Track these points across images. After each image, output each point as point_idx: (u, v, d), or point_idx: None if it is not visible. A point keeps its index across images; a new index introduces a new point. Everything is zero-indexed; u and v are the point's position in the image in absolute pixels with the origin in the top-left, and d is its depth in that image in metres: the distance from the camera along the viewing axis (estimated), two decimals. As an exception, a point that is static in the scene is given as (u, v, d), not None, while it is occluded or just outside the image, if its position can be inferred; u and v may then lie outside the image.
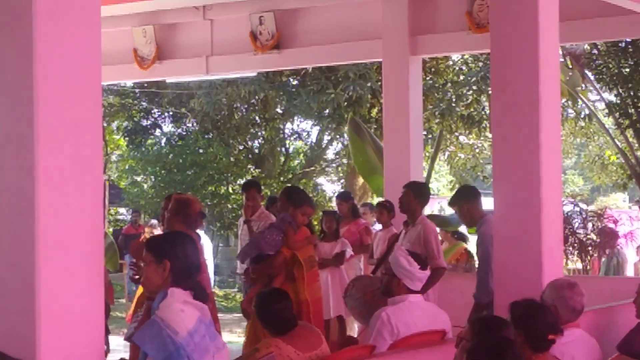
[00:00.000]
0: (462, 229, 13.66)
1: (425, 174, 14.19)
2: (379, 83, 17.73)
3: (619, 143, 17.00)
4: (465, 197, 8.59)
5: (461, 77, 20.97)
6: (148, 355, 4.43)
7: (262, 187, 14.38)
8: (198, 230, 8.56)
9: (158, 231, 15.72)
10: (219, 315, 9.75)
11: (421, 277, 6.54)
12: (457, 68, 21.28)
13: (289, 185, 9.30)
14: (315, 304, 8.40)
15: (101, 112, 4.69)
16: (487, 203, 8.32)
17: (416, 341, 6.28)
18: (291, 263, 8.35)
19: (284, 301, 5.91)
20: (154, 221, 16.32)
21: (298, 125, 26.38)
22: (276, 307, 5.83)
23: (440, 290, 9.27)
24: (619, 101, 15.72)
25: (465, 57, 20.50)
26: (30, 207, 4.28)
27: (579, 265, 17.28)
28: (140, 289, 8.19)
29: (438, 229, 10.32)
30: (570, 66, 17.08)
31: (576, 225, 16.86)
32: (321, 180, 27.59)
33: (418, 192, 9.34)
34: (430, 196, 9.84)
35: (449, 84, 20.71)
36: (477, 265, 8.55)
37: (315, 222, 22.53)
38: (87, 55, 4.54)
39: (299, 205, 8.50)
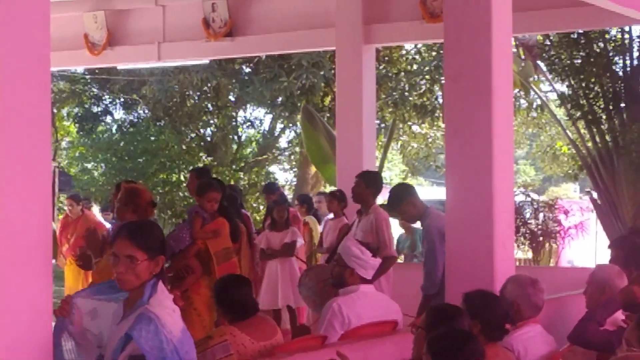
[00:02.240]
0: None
1: (378, 163, 14.22)
2: (332, 72, 17.71)
3: (570, 134, 17.10)
4: (398, 200, 8.54)
5: (414, 67, 21.01)
6: (127, 348, 4.20)
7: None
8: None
9: (99, 217, 15.54)
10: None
11: (374, 265, 6.55)
12: (410, 57, 21.31)
13: (195, 168, 9.18)
14: None
15: (50, 98, 4.62)
16: (440, 192, 8.33)
17: (367, 331, 6.28)
18: (206, 256, 8.26)
19: (245, 287, 5.91)
20: (95, 207, 16.13)
21: (251, 113, 26.37)
22: (238, 293, 5.81)
23: (393, 280, 9.28)
24: (570, 92, 15.81)
25: (419, 46, 20.53)
26: (-24, 195, 4.20)
27: (530, 255, 17.43)
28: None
29: (397, 220, 10.33)
30: (523, 57, 17.15)
31: (528, 215, 16.99)
32: (274, 168, 27.57)
33: (370, 182, 9.33)
34: (383, 185, 9.85)
35: (402, 74, 20.74)
36: (423, 258, 8.56)
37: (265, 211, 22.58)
38: (36, 40, 4.46)
39: (202, 194, 8.40)
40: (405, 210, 8.49)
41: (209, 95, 24.04)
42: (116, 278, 4.29)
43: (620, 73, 15.58)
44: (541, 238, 16.72)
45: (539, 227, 16.81)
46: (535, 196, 18.35)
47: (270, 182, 19.37)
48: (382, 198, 10.39)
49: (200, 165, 23.86)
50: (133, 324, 4.15)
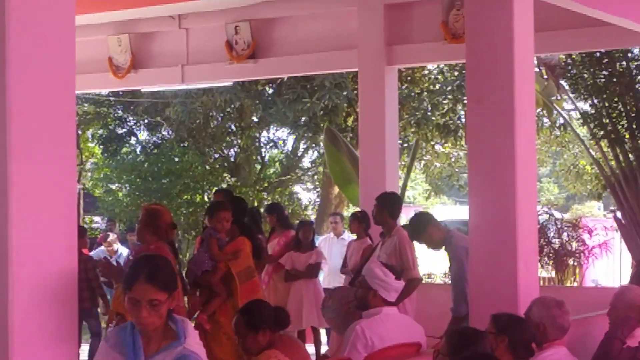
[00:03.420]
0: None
1: (401, 183, 14.19)
2: (355, 92, 17.74)
3: (593, 153, 17.07)
4: (421, 229, 8.54)
5: (437, 86, 20.99)
6: None
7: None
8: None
9: (117, 245, 15.59)
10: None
11: (397, 288, 6.56)
12: (432, 77, 21.31)
13: (219, 190, 9.18)
14: None
15: (75, 120, 4.66)
16: (463, 211, 8.33)
17: (391, 354, 6.28)
18: (229, 277, 8.27)
19: (264, 303, 6.02)
20: (112, 235, 16.20)
21: (274, 134, 26.38)
22: (263, 307, 5.90)
23: (417, 301, 9.27)
24: (593, 111, 15.78)
25: (441, 66, 20.54)
26: (3, 218, 4.24)
27: (553, 274, 17.37)
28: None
29: None
30: (545, 76, 17.14)
31: (551, 235, 16.94)
32: (297, 188, 27.56)
33: (386, 203, 9.35)
34: (402, 205, 9.86)
35: (425, 93, 20.73)
36: (451, 279, 8.53)
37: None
38: (61, 63, 4.52)
39: (213, 215, 8.41)
40: (429, 236, 8.47)
41: (232, 116, 24.09)
42: (138, 323, 4.16)
43: (643, 92, 15.56)
44: (565, 257, 16.66)
45: (563, 246, 16.75)
46: (558, 215, 18.30)
47: (274, 202, 19.25)
48: (405, 217, 10.40)
49: (224, 186, 23.92)
50: None
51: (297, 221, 14.74)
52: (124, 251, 14.98)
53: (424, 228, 8.47)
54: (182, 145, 24.93)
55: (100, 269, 7.89)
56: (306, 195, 27.87)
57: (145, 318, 4.12)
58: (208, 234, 8.41)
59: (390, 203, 9.41)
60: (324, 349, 11.87)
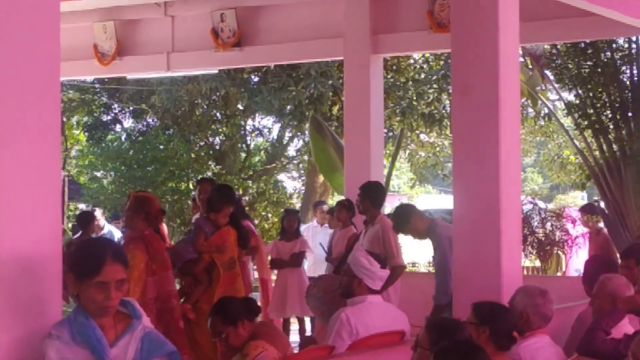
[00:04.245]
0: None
1: (386, 172, 14.21)
2: (341, 81, 17.74)
3: (577, 143, 17.12)
4: (404, 220, 8.59)
5: (422, 76, 21.03)
6: None
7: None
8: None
9: (103, 221, 15.46)
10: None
11: (382, 276, 6.57)
12: (418, 66, 21.33)
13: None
14: None
15: (60, 107, 4.66)
16: (448, 201, 8.36)
17: (375, 342, 6.29)
18: (212, 266, 8.30)
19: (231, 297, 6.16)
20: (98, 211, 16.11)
21: (259, 122, 26.37)
22: (231, 301, 5.95)
23: (401, 289, 9.30)
24: (578, 101, 15.81)
25: (427, 55, 20.56)
26: (-14, 205, 4.24)
27: (537, 264, 17.42)
28: None
29: None
30: (530, 66, 17.17)
31: (535, 224, 16.99)
32: (282, 177, 27.57)
33: (372, 193, 9.39)
34: (385, 194, 9.88)
35: (410, 82, 20.75)
36: (434, 268, 8.57)
37: (276, 219, 22.57)
38: (46, 50, 4.51)
39: (220, 209, 8.42)
40: (413, 227, 8.52)
41: (217, 104, 24.07)
42: (104, 307, 4.06)
43: (628, 82, 15.59)
44: (548, 247, 16.72)
45: (547, 235, 16.81)
46: (542, 205, 18.35)
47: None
48: (390, 206, 10.42)
49: (209, 173, 23.90)
50: (154, 346, 4.13)
51: (282, 210, 14.74)
52: (114, 231, 14.70)
53: (407, 220, 8.52)
54: (167, 132, 24.91)
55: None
56: (291, 183, 27.88)
57: (114, 300, 4.04)
58: (198, 226, 8.43)
59: (374, 192, 9.45)
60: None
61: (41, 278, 4.42)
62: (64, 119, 25.90)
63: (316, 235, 13.78)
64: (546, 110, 20.01)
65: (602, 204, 15.82)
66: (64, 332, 4.09)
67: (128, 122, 27.23)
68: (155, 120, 25.47)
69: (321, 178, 21.91)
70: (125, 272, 4.10)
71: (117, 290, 4.06)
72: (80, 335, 4.06)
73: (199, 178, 11.66)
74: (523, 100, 17.81)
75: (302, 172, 26.19)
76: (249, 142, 26.31)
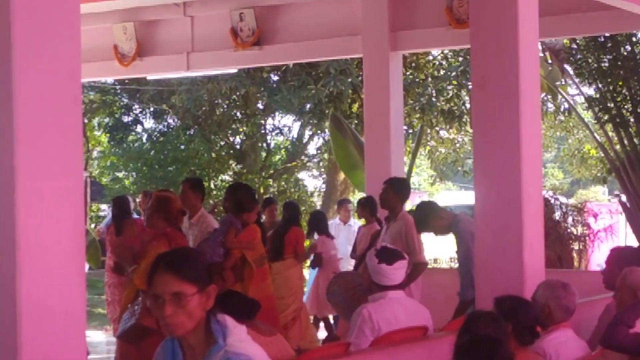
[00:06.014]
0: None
1: (406, 169, 14.22)
2: (360, 78, 17.74)
3: (598, 137, 17.07)
4: (425, 218, 8.57)
5: (441, 72, 20.99)
6: None
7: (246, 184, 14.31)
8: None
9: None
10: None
11: (386, 273, 6.43)
12: (437, 63, 21.29)
13: (241, 185, 9.22)
14: (264, 302, 8.34)
15: (81, 109, 4.67)
16: (468, 197, 8.35)
17: (397, 337, 6.29)
18: (240, 264, 8.35)
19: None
20: (102, 226, 16.23)
21: (279, 121, 26.38)
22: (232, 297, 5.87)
23: (422, 286, 9.30)
24: (598, 95, 15.78)
25: (446, 52, 20.53)
26: (10, 206, 4.25)
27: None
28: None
29: None
30: (550, 61, 17.13)
31: (556, 218, 16.94)
32: (303, 175, 27.59)
33: (398, 188, 9.36)
34: (411, 191, 9.86)
35: (430, 79, 20.72)
36: (458, 263, 8.56)
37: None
38: (67, 52, 4.52)
39: (251, 209, 8.52)
40: (434, 224, 8.49)
41: (237, 103, 24.10)
42: (163, 325, 3.43)
43: (648, 76, 15.55)
44: (570, 241, 16.68)
45: (568, 230, 16.77)
46: (563, 199, 18.30)
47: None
48: (410, 203, 10.42)
49: (230, 173, 23.95)
50: None
51: (303, 208, 14.76)
52: None
53: (429, 218, 8.49)
54: (187, 133, 24.97)
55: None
56: (312, 182, 27.90)
57: (169, 317, 3.40)
58: (229, 222, 8.49)
59: (399, 186, 9.43)
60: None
61: (65, 277, 4.44)
62: (86, 121, 25.99)
63: (339, 233, 13.84)
64: (566, 105, 19.95)
65: (624, 197, 15.77)
66: (159, 353, 3.65)
67: (149, 123, 27.30)
68: (176, 120, 25.52)
69: (342, 176, 21.91)
70: (188, 287, 3.41)
71: (176, 306, 3.40)
72: (160, 355, 3.61)
73: (185, 179, 11.51)
74: (543, 95, 17.76)
75: (323, 170, 26.19)
76: (269, 141, 26.33)
